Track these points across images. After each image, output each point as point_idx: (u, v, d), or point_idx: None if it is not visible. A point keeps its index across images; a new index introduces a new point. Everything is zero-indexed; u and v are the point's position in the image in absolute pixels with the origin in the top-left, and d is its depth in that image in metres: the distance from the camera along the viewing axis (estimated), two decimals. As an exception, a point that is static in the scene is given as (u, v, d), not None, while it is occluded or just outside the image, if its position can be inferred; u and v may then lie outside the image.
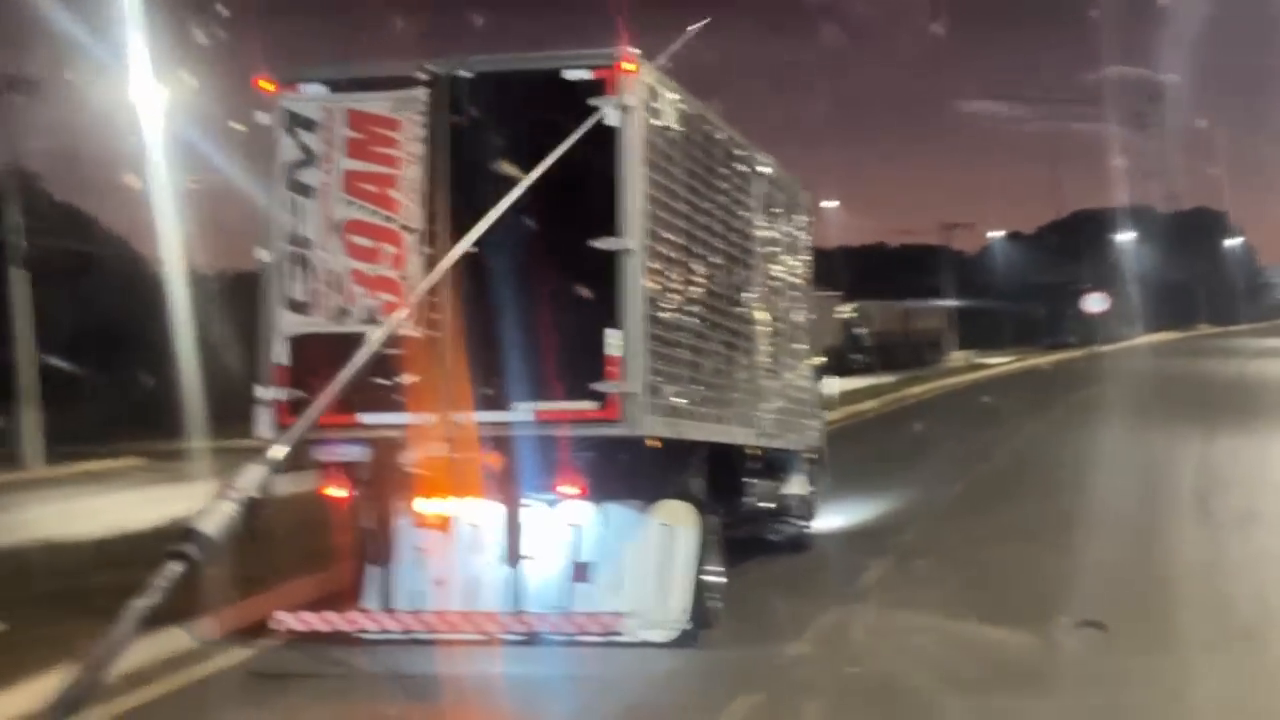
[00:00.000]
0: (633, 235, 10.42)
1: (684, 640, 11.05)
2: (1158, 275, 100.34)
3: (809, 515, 15.95)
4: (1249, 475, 21.45)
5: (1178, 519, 16.98)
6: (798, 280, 15.29)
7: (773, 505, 15.02)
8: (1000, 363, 64.17)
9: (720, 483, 13.18)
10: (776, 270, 14.35)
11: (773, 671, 10.31)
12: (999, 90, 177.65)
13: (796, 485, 15.63)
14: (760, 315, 13.70)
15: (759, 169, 13.68)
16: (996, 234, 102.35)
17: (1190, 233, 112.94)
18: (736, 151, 12.97)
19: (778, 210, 14.46)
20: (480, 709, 9.80)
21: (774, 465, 15.00)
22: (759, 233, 13.66)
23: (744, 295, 13.20)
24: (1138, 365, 57.31)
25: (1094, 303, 70.69)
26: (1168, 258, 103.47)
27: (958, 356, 68.85)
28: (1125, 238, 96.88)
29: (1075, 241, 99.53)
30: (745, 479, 13.98)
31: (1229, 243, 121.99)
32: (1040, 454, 26.10)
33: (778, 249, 14.46)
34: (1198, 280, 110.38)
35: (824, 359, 16.89)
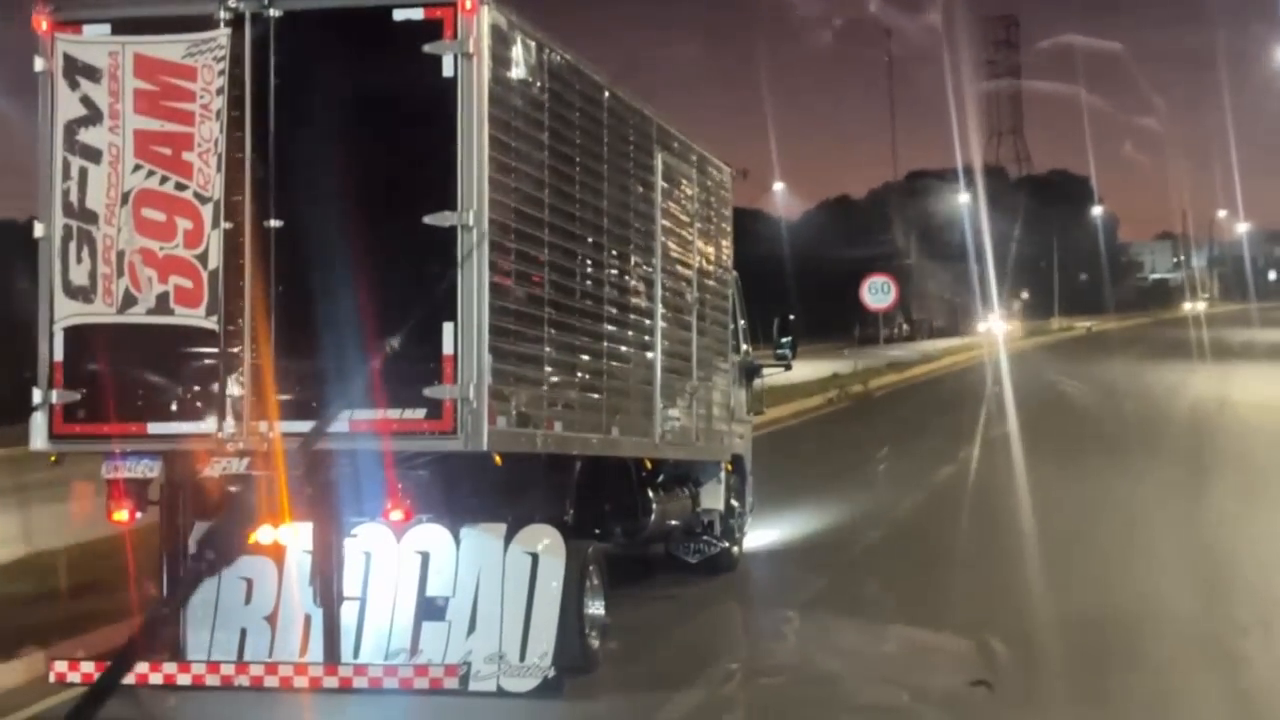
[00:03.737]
0: (473, 209, 8.63)
1: (547, 689, 9.28)
2: (1005, 249, 77.65)
3: (732, 532, 14.12)
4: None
5: None
6: (712, 269, 13.43)
7: (685, 523, 13.26)
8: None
9: (614, 499, 11.83)
10: (682, 257, 12.48)
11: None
12: (841, 38, 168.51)
13: (713, 499, 13.84)
14: (660, 309, 11.86)
15: (659, 139, 11.83)
16: (779, 187, 76.98)
17: (1046, 200, 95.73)
18: (626, 116, 11.13)
19: (686, 188, 12.62)
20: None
21: (684, 478, 13.25)
22: (659, 213, 11.81)
23: (635, 285, 11.38)
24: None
25: (875, 294, 40.81)
26: (1019, 229, 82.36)
27: None
28: (963, 200, 76.82)
29: (904, 207, 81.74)
30: (646, 494, 12.22)
31: (1094, 211, 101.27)
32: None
33: (685, 233, 12.60)
34: (1054, 256, 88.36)
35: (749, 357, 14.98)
